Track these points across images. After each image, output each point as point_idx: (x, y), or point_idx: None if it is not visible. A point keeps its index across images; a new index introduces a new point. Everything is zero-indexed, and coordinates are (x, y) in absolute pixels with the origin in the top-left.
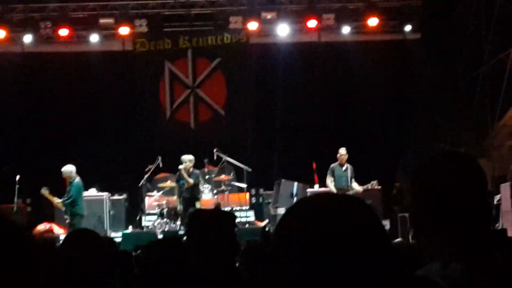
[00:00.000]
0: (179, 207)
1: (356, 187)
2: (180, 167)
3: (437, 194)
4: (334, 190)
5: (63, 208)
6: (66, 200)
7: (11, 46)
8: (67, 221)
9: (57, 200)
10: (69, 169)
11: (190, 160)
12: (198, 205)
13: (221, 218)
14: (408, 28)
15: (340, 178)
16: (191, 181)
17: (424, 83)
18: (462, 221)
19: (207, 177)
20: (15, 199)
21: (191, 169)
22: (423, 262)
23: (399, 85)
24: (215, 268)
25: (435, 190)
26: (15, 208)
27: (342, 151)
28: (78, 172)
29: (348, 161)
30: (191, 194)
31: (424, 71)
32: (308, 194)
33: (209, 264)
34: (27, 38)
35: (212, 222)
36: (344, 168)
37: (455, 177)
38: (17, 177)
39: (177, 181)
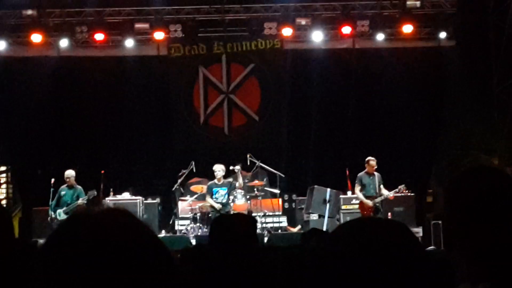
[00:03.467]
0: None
1: (385, 192)
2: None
3: (469, 208)
4: (363, 198)
5: None
6: None
7: (47, 51)
8: None
9: None
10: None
11: (223, 169)
12: (230, 209)
13: (241, 222)
14: (443, 35)
15: (369, 186)
16: (242, 184)
17: (458, 90)
18: (493, 237)
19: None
20: (50, 202)
21: (221, 179)
22: (454, 271)
23: (433, 92)
24: (236, 271)
25: (468, 205)
26: (50, 212)
27: (371, 160)
28: (113, 176)
29: (380, 168)
30: (226, 200)
31: (458, 78)
32: (341, 200)
33: (231, 267)
34: (63, 43)
35: (232, 226)
36: (372, 176)
37: (488, 192)
38: (52, 181)
39: (209, 189)
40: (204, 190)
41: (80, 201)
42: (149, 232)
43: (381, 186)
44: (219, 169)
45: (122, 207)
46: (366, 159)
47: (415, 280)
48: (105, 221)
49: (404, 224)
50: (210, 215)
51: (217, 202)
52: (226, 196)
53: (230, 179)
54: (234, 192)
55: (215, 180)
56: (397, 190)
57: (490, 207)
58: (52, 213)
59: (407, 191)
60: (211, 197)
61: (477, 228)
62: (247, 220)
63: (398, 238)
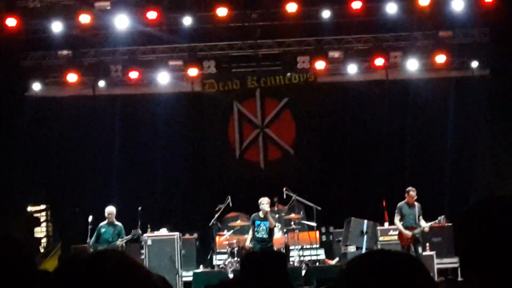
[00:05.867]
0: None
1: (423, 224)
2: (266, 208)
3: (482, 240)
4: (402, 229)
5: None
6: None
7: (82, 90)
8: None
9: None
10: None
11: (268, 202)
12: (272, 246)
13: (270, 259)
14: (475, 64)
15: (409, 216)
16: (274, 223)
17: (494, 119)
18: (507, 273)
19: (277, 216)
20: (88, 240)
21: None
22: None
23: (468, 121)
24: None
25: (481, 237)
26: (88, 249)
27: (412, 192)
28: (150, 212)
29: (417, 199)
30: (268, 236)
31: (494, 107)
32: (378, 232)
33: None
34: (99, 82)
35: (261, 263)
36: (412, 206)
37: (502, 222)
38: (90, 218)
39: (252, 222)
40: (241, 224)
41: (119, 241)
42: (141, 272)
43: (421, 217)
44: (264, 202)
45: (113, 249)
46: (407, 189)
47: None
48: (95, 266)
49: (416, 259)
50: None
51: (258, 237)
52: (267, 230)
53: (276, 214)
54: None
55: (260, 213)
56: (436, 221)
57: (504, 238)
58: (93, 250)
59: (446, 222)
60: (253, 231)
61: (495, 261)
62: (277, 257)
63: (410, 271)
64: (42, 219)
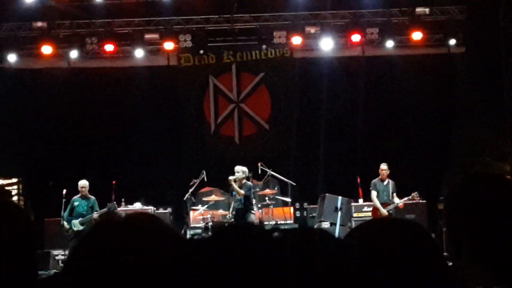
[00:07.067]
0: (230, 218)
1: (396, 200)
2: (230, 177)
3: (472, 217)
4: (379, 206)
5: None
6: None
7: (57, 62)
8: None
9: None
10: None
11: (243, 171)
12: (251, 216)
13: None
14: (452, 41)
15: (382, 193)
16: (241, 192)
17: (468, 97)
18: (501, 244)
19: (252, 190)
20: (62, 213)
21: (243, 181)
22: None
23: (443, 99)
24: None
25: (470, 213)
26: (62, 222)
27: (384, 166)
28: (124, 186)
29: (391, 175)
30: (243, 206)
31: (469, 84)
32: (353, 208)
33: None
34: (73, 54)
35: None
36: (385, 183)
37: (490, 199)
38: (64, 191)
39: (231, 192)
40: (215, 199)
41: (96, 214)
42: (176, 235)
43: (394, 194)
44: (238, 170)
45: (147, 212)
46: (380, 166)
47: (432, 281)
48: (133, 226)
49: (420, 225)
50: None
51: (234, 207)
52: (241, 200)
53: (250, 183)
54: None
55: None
56: (410, 197)
57: (493, 213)
58: (66, 223)
59: (419, 198)
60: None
61: (484, 234)
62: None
63: (415, 238)
64: (14, 192)
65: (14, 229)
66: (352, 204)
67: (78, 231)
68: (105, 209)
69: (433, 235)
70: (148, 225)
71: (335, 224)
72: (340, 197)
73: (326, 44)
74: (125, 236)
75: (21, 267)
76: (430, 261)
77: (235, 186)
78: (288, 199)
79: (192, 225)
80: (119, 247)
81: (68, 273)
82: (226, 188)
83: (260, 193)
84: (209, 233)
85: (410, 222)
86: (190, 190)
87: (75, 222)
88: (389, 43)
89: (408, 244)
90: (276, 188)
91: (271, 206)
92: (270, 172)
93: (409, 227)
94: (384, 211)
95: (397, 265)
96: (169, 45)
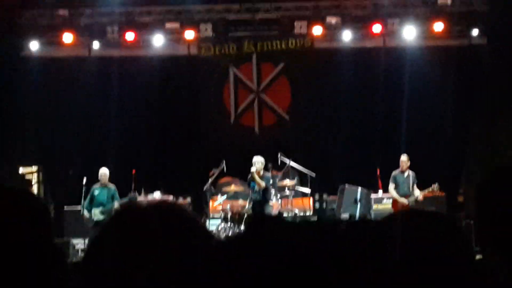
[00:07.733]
0: (248, 210)
1: (417, 193)
2: (252, 169)
3: (504, 209)
4: (396, 196)
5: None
6: None
7: (78, 51)
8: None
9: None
10: None
11: (261, 162)
12: (268, 208)
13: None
14: (474, 32)
15: (403, 184)
16: (263, 184)
17: (490, 88)
18: None
19: (271, 181)
20: (82, 201)
21: (261, 172)
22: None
23: (464, 90)
24: None
25: (502, 205)
26: (82, 211)
27: (404, 158)
28: (144, 175)
29: (411, 167)
30: (262, 197)
31: (490, 76)
32: (372, 200)
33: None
34: (95, 43)
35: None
36: (406, 174)
37: None
38: (84, 180)
39: (248, 183)
40: (235, 189)
41: (117, 204)
42: (201, 225)
43: (415, 185)
44: (257, 161)
45: (170, 201)
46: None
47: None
48: (156, 215)
49: (454, 219)
50: (245, 211)
51: (252, 199)
52: (260, 191)
53: (269, 174)
54: None
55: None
56: (430, 189)
57: None
58: (86, 212)
59: (439, 190)
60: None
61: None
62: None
63: (445, 232)
64: (34, 180)
65: (29, 218)
66: (372, 196)
67: (98, 221)
68: (126, 199)
69: None
70: (172, 215)
71: (355, 216)
72: (359, 188)
73: (347, 35)
74: (148, 225)
75: (41, 256)
76: (461, 255)
77: (258, 178)
78: (308, 190)
79: (211, 216)
80: (142, 237)
81: (88, 262)
82: (246, 179)
83: (280, 184)
84: (228, 223)
85: (441, 214)
86: (210, 180)
87: (96, 211)
88: (410, 34)
89: (440, 238)
90: (295, 179)
91: (291, 197)
92: (289, 162)
93: (440, 220)
94: (403, 200)
95: (430, 259)
96: (189, 34)
